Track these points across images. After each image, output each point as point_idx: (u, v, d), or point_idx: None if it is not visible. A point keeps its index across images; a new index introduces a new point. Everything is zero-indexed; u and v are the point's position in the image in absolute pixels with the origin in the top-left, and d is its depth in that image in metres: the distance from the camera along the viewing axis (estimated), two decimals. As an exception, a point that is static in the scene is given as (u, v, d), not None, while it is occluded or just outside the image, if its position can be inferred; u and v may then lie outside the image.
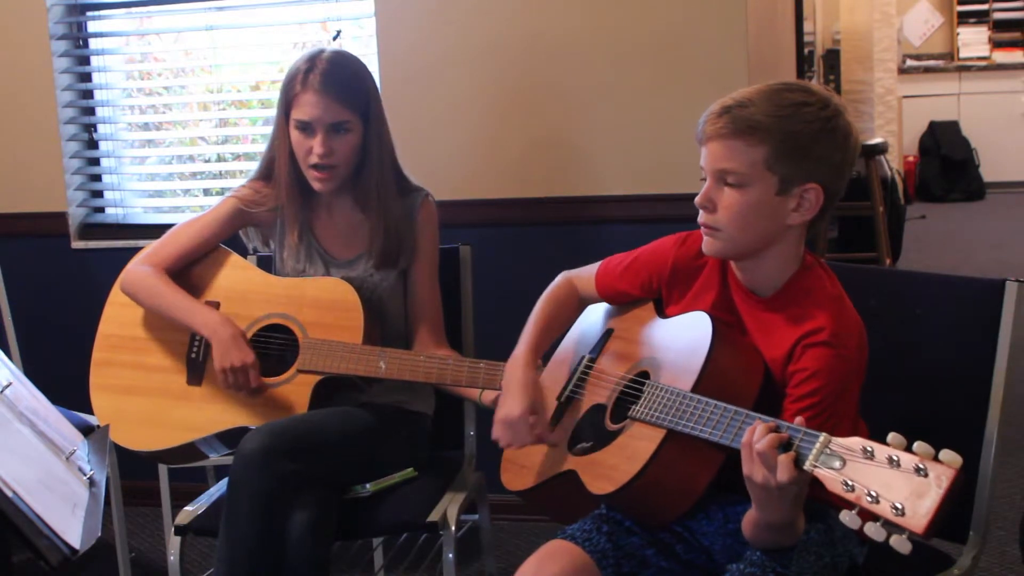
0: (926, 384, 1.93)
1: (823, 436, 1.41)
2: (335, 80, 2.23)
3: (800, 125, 1.61)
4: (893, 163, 6.50)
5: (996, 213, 8.40)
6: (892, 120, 7.44)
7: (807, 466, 1.40)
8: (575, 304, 1.98)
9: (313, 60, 2.25)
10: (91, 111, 3.50)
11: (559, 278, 2.01)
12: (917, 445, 1.31)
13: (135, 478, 3.09)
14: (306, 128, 2.24)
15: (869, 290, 1.94)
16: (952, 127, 9.18)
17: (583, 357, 1.91)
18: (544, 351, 1.94)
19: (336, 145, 2.25)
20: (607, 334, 1.91)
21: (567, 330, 2.00)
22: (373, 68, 3.07)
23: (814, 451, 1.40)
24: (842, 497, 1.34)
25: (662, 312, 1.85)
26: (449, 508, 2.17)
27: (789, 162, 1.62)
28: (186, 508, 2.23)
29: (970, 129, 9.14)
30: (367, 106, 2.28)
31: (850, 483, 1.34)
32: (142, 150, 3.54)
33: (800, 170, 1.62)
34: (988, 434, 1.81)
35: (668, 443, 1.61)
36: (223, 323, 2.22)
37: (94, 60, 3.47)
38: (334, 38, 3.20)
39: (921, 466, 1.29)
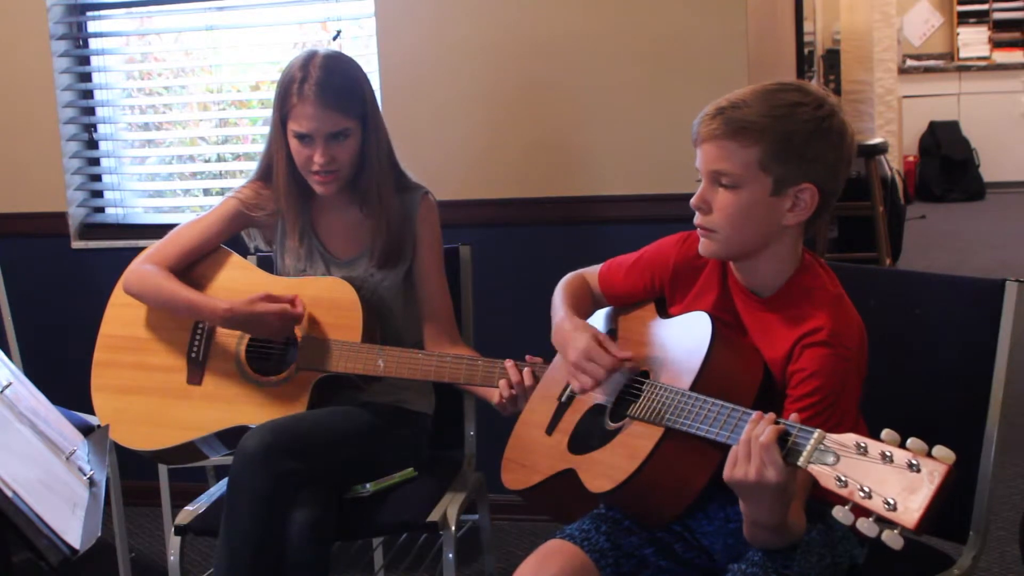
0: (926, 384, 1.93)
1: (817, 432, 1.41)
2: (331, 89, 2.21)
3: (794, 125, 1.61)
4: (893, 163, 6.50)
5: (996, 213, 8.39)
6: (892, 120, 7.44)
7: (801, 462, 1.40)
8: (590, 291, 1.96)
9: (307, 67, 2.22)
10: (91, 111, 3.50)
11: (569, 274, 1.99)
12: (911, 441, 1.31)
13: (135, 478, 3.09)
14: (305, 139, 2.23)
15: (869, 290, 1.93)
16: (952, 127, 9.17)
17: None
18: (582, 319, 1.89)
19: (336, 152, 2.24)
20: (609, 335, 1.91)
21: (590, 314, 1.96)
22: (373, 68, 3.08)
23: (808, 447, 1.40)
24: (836, 493, 1.34)
25: (664, 312, 1.85)
26: (449, 508, 2.17)
27: (783, 163, 1.61)
28: (186, 508, 2.23)
29: (970, 129, 9.12)
30: (364, 109, 2.27)
31: (843, 479, 1.34)
32: (142, 150, 3.54)
33: (794, 170, 1.62)
34: (988, 434, 1.81)
35: (666, 441, 1.61)
36: (230, 304, 2.21)
37: (94, 60, 3.47)
38: (334, 38, 3.20)
39: (914, 462, 1.29)
